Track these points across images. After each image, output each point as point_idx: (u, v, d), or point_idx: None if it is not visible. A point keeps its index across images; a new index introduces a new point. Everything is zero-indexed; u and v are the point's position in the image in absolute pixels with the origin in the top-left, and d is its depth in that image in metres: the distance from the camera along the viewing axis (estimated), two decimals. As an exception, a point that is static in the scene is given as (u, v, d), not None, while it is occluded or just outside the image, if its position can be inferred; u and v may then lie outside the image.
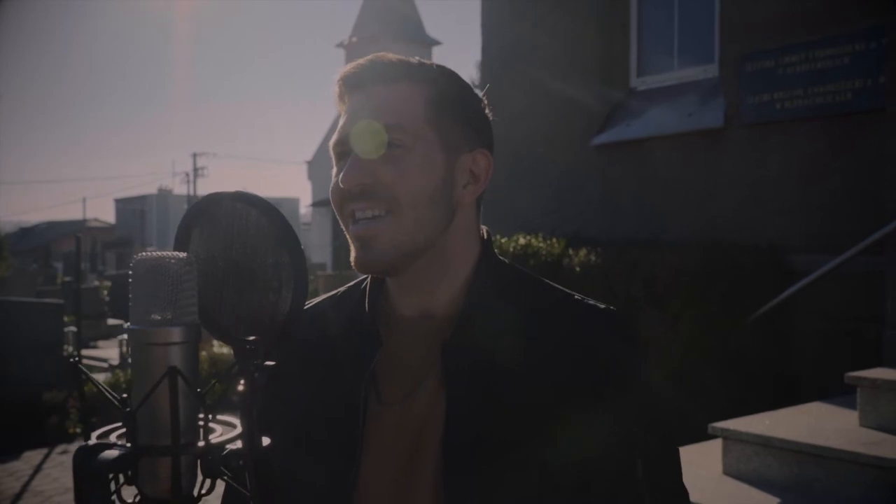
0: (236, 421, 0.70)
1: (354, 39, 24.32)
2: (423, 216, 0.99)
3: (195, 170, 46.18)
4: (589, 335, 1.01)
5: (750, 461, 3.39)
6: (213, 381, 0.74)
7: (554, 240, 5.61)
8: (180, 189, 56.82)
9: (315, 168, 29.19)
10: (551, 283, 1.10)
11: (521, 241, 5.63)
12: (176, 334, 0.67)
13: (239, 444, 0.68)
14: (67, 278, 17.85)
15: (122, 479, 0.65)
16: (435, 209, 1.00)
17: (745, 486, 3.32)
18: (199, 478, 0.68)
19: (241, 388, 0.70)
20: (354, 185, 0.98)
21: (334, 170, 1.03)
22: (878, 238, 4.05)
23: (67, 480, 5.64)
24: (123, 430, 0.67)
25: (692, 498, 3.32)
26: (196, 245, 0.77)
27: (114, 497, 0.64)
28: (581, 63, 6.65)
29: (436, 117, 1.01)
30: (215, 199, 0.77)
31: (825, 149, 5.14)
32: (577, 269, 5.03)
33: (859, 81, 5.00)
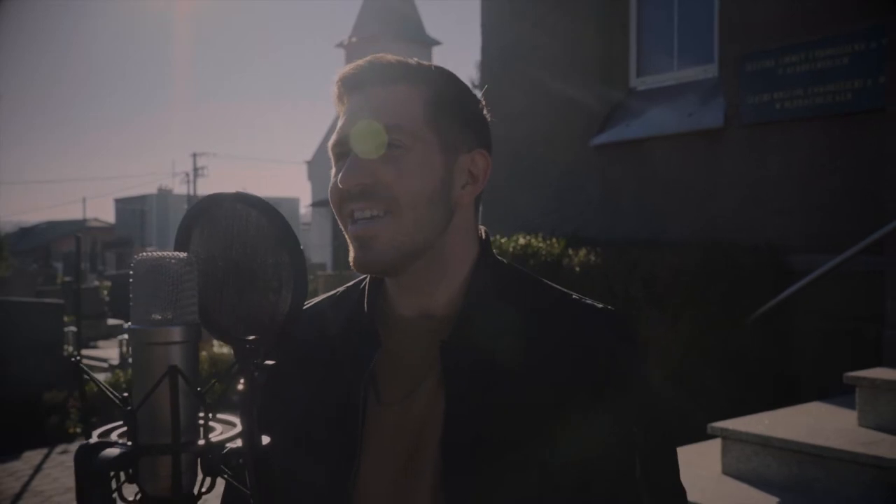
0: (236, 420, 0.71)
1: (354, 39, 24.31)
2: (422, 216, 0.99)
3: (195, 170, 46.18)
4: (589, 335, 1.01)
5: (749, 461, 3.39)
6: (213, 381, 0.74)
7: (554, 240, 5.61)
8: (180, 189, 56.80)
9: (315, 168, 29.19)
10: (550, 282, 1.10)
11: (521, 241, 5.63)
12: (176, 334, 0.67)
13: (239, 443, 0.68)
14: (67, 278, 17.85)
15: (123, 477, 0.66)
16: (434, 209, 1.01)
17: (744, 486, 3.33)
18: (200, 476, 0.69)
19: (241, 387, 0.71)
20: (354, 185, 0.98)
21: (333, 170, 1.03)
22: (877, 238, 4.05)
23: (67, 480, 5.64)
24: (124, 428, 0.68)
25: (691, 497, 3.31)
26: (196, 245, 0.77)
27: (115, 495, 0.64)
28: (581, 63, 6.65)
29: (434, 118, 1.01)
30: (215, 199, 0.78)
31: (825, 149, 5.14)
32: (577, 269, 5.03)
33: (859, 81, 5.00)
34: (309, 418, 1.03)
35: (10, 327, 7.73)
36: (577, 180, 6.58)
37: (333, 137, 1.03)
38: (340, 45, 24.96)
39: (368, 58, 1.03)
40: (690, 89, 6.14)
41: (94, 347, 12.86)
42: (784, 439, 3.27)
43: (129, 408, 0.66)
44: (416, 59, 1.05)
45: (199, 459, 0.68)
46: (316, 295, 1.21)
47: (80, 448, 0.64)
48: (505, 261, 1.12)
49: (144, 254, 0.69)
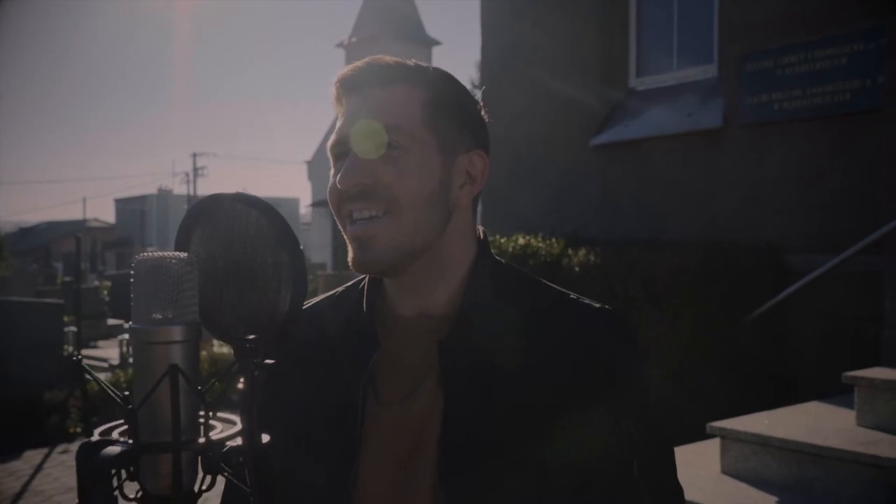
0: (237, 418, 0.71)
1: (354, 39, 24.31)
2: (420, 217, 1.00)
3: (195, 170, 46.16)
4: (589, 335, 1.01)
5: (748, 460, 3.40)
6: (213, 380, 0.75)
7: (553, 240, 5.62)
8: (180, 189, 56.82)
9: (315, 168, 29.21)
10: (547, 282, 1.10)
11: (521, 241, 5.63)
12: (177, 333, 0.68)
13: (239, 441, 0.69)
14: (67, 278, 17.85)
15: (124, 474, 0.66)
16: (432, 210, 1.01)
17: (743, 486, 3.33)
18: (200, 474, 0.69)
19: (241, 386, 0.71)
20: (353, 185, 0.99)
21: (332, 171, 1.03)
22: (876, 238, 4.06)
23: (68, 480, 5.65)
24: (125, 427, 0.68)
25: (690, 497, 3.32)
26: (196, 245, 0.77)
27: (116, 492, 0.64)
28: (581, 63, 6.65)
29: (433, 119, 1.02)
30: (216, 200, 0.78)
31: (824, 149, 5.15)
32: (577, 269, 5.04)
33: (858, 82, 5.01)
34: (309, 418, 1.03)
35: (10, 327, 7.74)
36: (577, 180, 6.58)
37: (332, 138, 1.03)
38: (340, 45, 24.96)
39: (367, 59, 1.04)
40: (690, 89, 6.14)
41: (95, 347, 12.87)
42: (783, 439, 3.27)
43: (130, 406, 0.67)
44: (414, 60, 1.06)
45: (199, 458, 0.68)
46: (315, 295, 1.22)
47: (82, 446, 0.65)
48: (503, 261, 1.13)
49: (145, 254, 0.69)
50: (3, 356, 7.27)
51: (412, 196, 0.99)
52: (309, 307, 1.14)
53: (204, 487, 0.70)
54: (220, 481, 0.71)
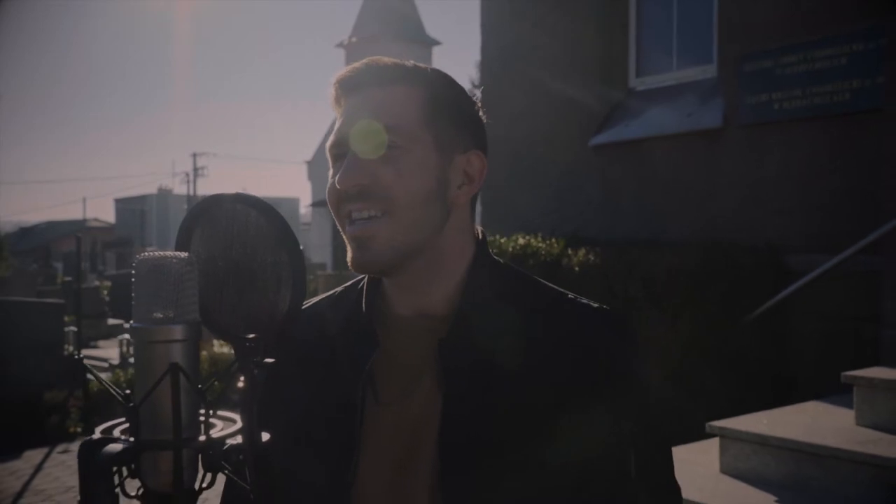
0: (237, 416, 0.72)
1: (354, 39, 24.30)
2: (419, 217, 1.00)
3: (195, 170, 46.15)
4: (588, 335, 1.01)
5: (747, 460, 3.40)
6: (213, 379, 0.76)
7: (553, 240, 5.62)
8: (180, 189, 56.77)
9: (315, 168, 29.21)
10: (545, 282, 1.11)
11: (521, 241, 5.64)
12: (177, 332, 0.68)
13: (239, 439, 0.70)
14: (67, 278, 17.83)
15: (125, 472, 0.67)
16: (430, 210, 1.02)
17: (742, 485, 3.34)
18: (201, 472, 0.70)
19: (241, 384, 0.72)
20: (351, 185, 0.99)
21: (331, 171, 1.04)
22: (875, 238, 4.06)
23: (68, 479, 5.66)
24: (127, 424, 0.69)
25: (690, 496, 3.32)
26: (197, 245, 0.78)
27: (117, 489, 0.65)
28: (581, 63, 6.66)
29: (431, 119, 1.02)
30: (216, 200, 0.79)
31: (824, 149, 5.15)
32: (576, 269, 5.04)
33: (857, 82, 5.01)
34: (309, 418, 1.04)
35: (11, 327, 7.74)
36: (577, 180, 6.58)
37: (331, 139, 1.04)
38: (340, 45, 24.95)
39: (365, 60, 1.04)
40: (689, 89, 6.15)
41: (95, 347, 12.88)
42: (782, 438, 3.28)
43: (131, 404, 0.68)
44: (412, 61, 1.07)
45: (199, 455, 0.69)
46: (315, 295, 1.22)
47: (84, 443, 0.65)
48: (502, 261, 1.13)
49: (146, 253, 0.70)
50: (3, 356, 7.28)
51: (411, 196, 0.99)
52: (308, 307, 1.14)
53: (204, 485, 0.70)
54: (221, 479, 0.72)
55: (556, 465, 0.94)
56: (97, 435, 0.67)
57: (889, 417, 3.37)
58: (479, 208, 7.13)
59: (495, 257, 1.12)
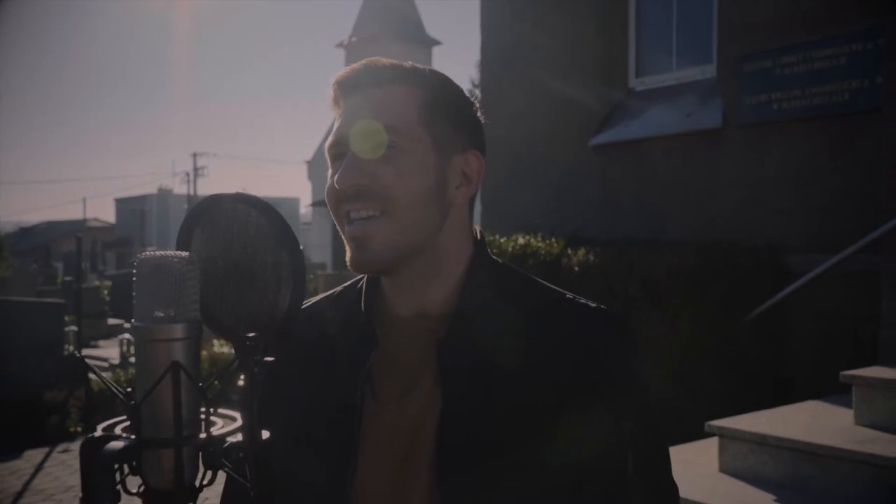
0: (237, 414, 0.72)
1: (354, 39, 24.30)
2: (417, 217, 1.01)
3: (195, 170, 46.15)
4: (588, 335, 1.01)
5: (746, 459, 3.41)
6: (214, 377, 0.76)
7: (553, 240, 5.62)
8: (180, 189, 56.73)
9: (315, 168, 29.21)
10: (545, 282, 1.11)
11: (520, 240, 5.64)
12: (178, 331, 0.69)
13: (239, 437, 0.70)
14: (68, 278, 17.85)
15: (126, 469, 0.67)
16: (429, 210, 1.02)
17: (741, 484, 3.34)
18: (201, 469, 0.70)
19: (241, 382, 0.73)
20: (350, 185, 0.99)
21: (330, 171, 1.04)
22: (874, 238, 4.07)
23: (68, 479, 5.66)
24: (128, 422, 0.70)
25: (688, 495, 3.32)
26: (197, 245, 0.78)
27: (119, 486, 0.66)
28: (581, 63, 6.66)
29: (429, 119, 1.02)
30: (216, 200, 0.79)
31: (823, 149, 5.16)
32: (576, 269, 5.05)
33: (857, 82, 5.01)
34: (308, 418, 1.04)
35: (11, 327, 7.74)
36: (577, 180, 6.59)
37: (330, 139, 1.04)
38: (340, 45, 24.95)
39: (364, 61, 1.05)
40: (689, 89, 6.15)
41: (95, 347, 12.88)
42: (781, 437, 3.28)
43: (132, 402, 0.68)
44: (410, 62, 1.07)
45: (200, 453, 0.69)
46: (315, 294, 1.23)
47: (86, 441, 0.66)
48: (500, 261, 1.13)
49: (147, 253, 0.70)
50: (3, 356, 7.28)
51: (410, 196, 0.99)
52: (308, 307, 1.14)
53: (205, 482, 0.71)
54: (221, 476, 0.72)
55: (556, 465, 0.94)
56: (99, 432, 0.68)
57: (887, 417, 3.37)
58: (478, 208, 7.14)
59: (494, 257, 1.12)
